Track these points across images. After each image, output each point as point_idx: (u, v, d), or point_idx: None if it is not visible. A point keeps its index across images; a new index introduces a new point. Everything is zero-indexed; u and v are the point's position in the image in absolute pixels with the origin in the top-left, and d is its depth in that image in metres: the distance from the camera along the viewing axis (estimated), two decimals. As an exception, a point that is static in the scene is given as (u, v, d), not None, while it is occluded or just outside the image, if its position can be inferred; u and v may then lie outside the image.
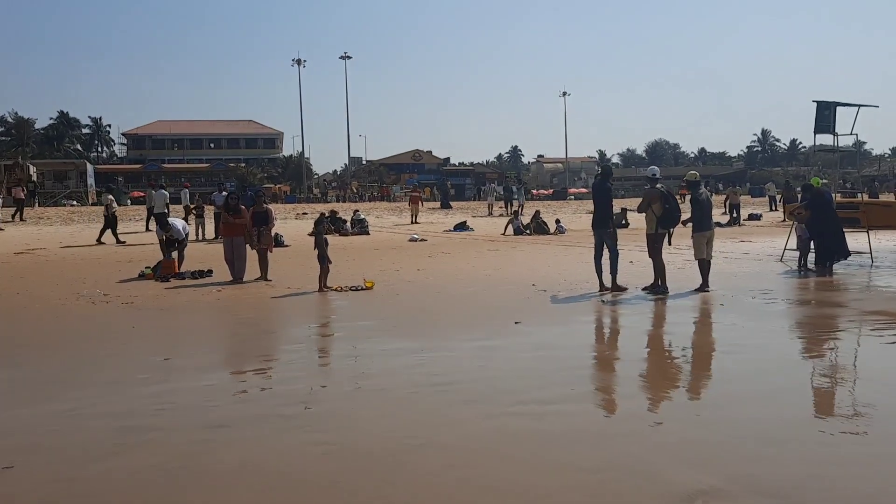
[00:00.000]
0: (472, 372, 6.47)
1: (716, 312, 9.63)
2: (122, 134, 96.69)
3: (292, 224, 31.75)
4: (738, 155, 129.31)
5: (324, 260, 12.36)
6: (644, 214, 11.65)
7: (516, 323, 8.82)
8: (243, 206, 14.32)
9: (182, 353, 7.69)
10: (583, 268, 14.86)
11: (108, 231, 22.80)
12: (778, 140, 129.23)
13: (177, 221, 15.33)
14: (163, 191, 24.00)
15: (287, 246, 21.86)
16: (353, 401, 5.66)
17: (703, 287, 11.71)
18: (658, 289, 11.32)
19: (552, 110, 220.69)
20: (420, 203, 35.57)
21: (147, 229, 24.65)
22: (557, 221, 26.92)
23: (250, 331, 8.97)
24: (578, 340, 8.29)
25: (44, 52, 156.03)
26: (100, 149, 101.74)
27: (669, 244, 11.80)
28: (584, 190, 78.57)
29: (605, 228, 11.69)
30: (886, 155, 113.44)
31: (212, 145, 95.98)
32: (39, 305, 11.12)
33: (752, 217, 33.56)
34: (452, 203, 46.76)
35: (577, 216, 35.63)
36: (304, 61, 73.60)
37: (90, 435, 4.99)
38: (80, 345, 8.24)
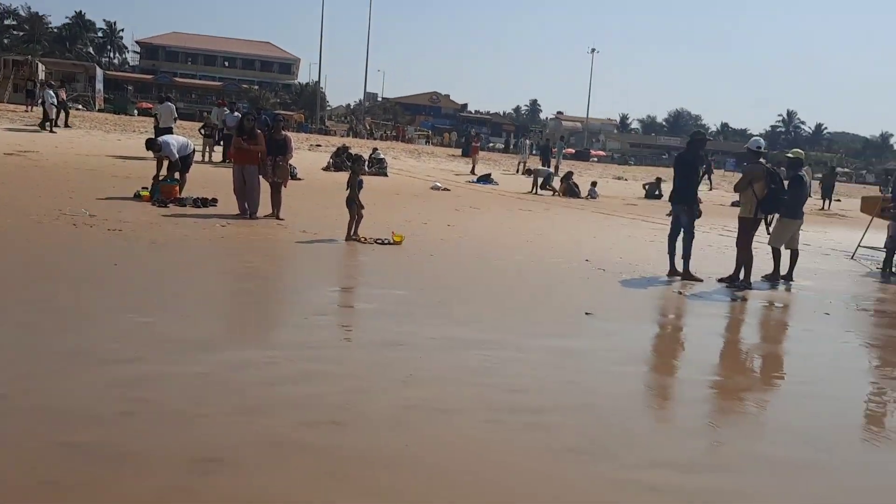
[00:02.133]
0: (560, 392, 4.74)
1: (825, 324, 7.86)
2: (136, 42, 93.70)
3: (306, 156, 29.83)
4: (761, 134, 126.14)
5: (353, 205, 10.56)
6: (741, 194, 9.80)
7: (587, 314, 7.09)
8: (260, 132, 12.45)
9: (171, 312, 5.94)
10: (635, 244, 13.13)
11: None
12: (803, 123, 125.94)
13: (172, 139, 13.42)
14: (169, 103, 21.97)
15: (300, 180, 20.07)
16: (403, 428, 3.93)
17: (787, 278, 10.28)
18: (740, 283, 9.56)
19: (576, 67, 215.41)
20: (478, 152, 33.61)
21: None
22: (594, 184, 24.98)
23: (260, 288, 7.22)
24: (677, 351, 6.55)
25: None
26: (112, 55, 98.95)
27: (768, 233, 10.02)
28: (602, 153, 76.23)
29: (686, 204, 9.86)
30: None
31: (226, 64, 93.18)
32: (11, 221, 9.38)
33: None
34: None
35: (603, 181, 33.65)
36: (330, -15, 70.15)
37: (16, 455, 3.28)
38: (43, 285, 6.48)
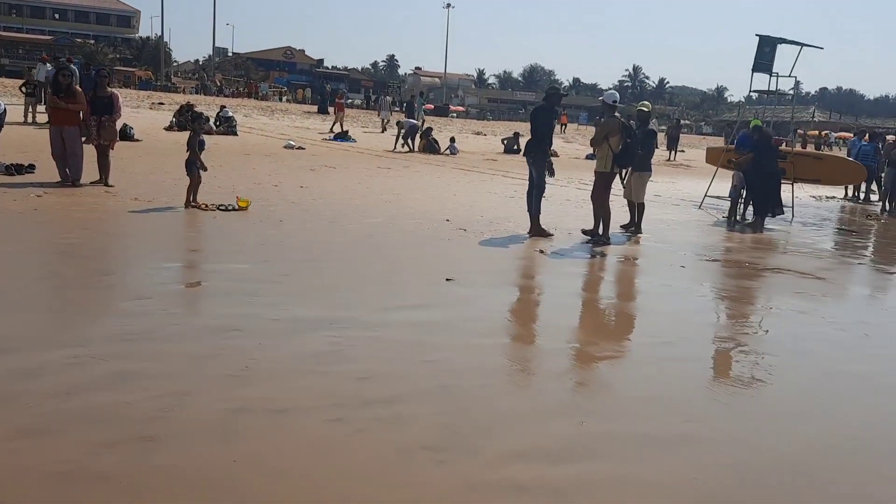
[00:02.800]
0: (416, 376, 4.27)
1: (682, 278, 7.86)
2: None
3: (146, 115, 27.67)
4: (611, 87, 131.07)
5: (194, 167, 9.59)
6: (597, 148, 9.65)
7: (448, 280, 6.68)
8: (79, 88, 11.08)
9: (-45, 304, 4.96)
10: (496, 200, 12.90)
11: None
12: (647, 77, 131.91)
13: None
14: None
15: (138, 141, 18.46)
16: (230, 438, 3.32)
17: (636, 230, 10.47)
18: (599, 238, 9.50)
19: (432, 22, 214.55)
20: (344, 109, 31.96)
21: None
22: (452, 140, 24.71)
23: (75, 269, 6.24)
24: (538, 317, 6.25)
25: None
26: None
27: (623, 185, 10.00)
28: (461, 108, 76.34)
29: (533, 156, 9.61)
30: (740, 101, 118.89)
31: (56, 16, 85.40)
32: None
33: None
34: (330, 108, 43.19)
35: (463, 136, 33.52)
36: (169, -69, 65.26)
37: None
38: None
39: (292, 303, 5.57)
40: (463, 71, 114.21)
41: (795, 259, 9.65)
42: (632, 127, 9.87)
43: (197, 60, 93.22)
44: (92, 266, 6.32)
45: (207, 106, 30.74)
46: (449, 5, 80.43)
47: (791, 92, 15.11)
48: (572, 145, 35.84)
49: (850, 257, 10.63)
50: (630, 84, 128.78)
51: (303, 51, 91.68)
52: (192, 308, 5.41)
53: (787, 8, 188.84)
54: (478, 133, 38.13)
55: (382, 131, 31.41)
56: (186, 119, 22.27)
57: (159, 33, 78.80)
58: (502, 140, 29.04)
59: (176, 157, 12.41)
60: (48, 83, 20.55)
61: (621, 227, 10.40)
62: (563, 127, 48.22)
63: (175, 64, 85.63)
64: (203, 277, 6.34)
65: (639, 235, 10.34)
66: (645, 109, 10.57)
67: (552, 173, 9.81)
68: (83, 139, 10.79)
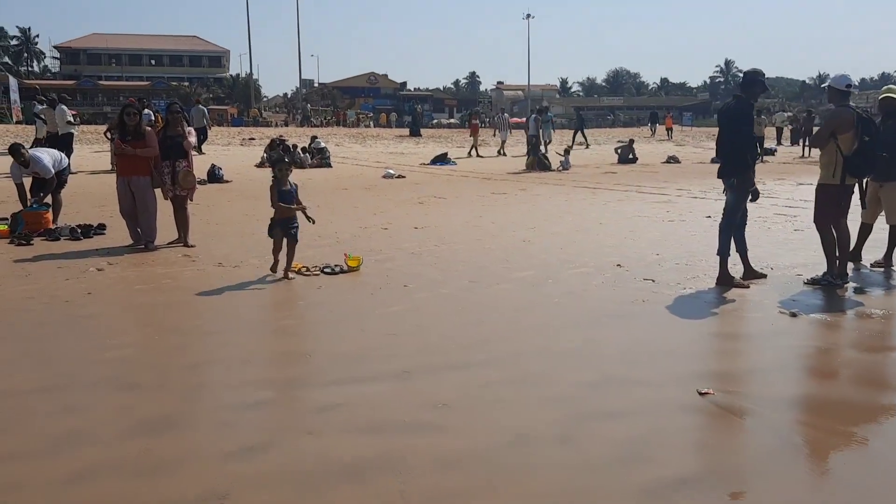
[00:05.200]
0: None
1: None
2: (55, 47, 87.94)
3: (237, 152, 26.33)
4: (702, 85, 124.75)
5: (276, 229, 7.27)
6: (821, 152, 6.80)
7: (701, 394, 4.09)
8: (149, 129, 9.09)
9: None
10: (657, 228, 10.22)
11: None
12: (741, 71, 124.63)
13: (43, 154, 9.95)
14: (62, 106, 18.28)
15: (228, 182, 16.76)
16: None
17: (886, 261, 7.58)
18: (834, 277, 6.65)
19: (511, 35, 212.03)
20: (479, 131, 29.45)
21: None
22: (567, 151, 22.17)
23: (109, 420, 3.93)
24: None
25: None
26: (30, 62, 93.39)
27: (863, 205, 7.14)
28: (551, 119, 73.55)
29: (733, 176, 6.81)
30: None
31: (152, 62, 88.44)
32: None
33: (767, 152, 28.52)
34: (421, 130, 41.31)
35: (561, 148, 30.71)
36: (252, -29, 65.61)
37: None
38: None
39: (476, 486, 3.09)
40: (545, 81, 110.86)
41: None
42: (873, 121, 6.99)
43: (285, 94, 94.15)
44: (141, 409, 4.00)
45: (298, 137, 29.25)
46: (529, 15, 77.54)
47: None
48: (685, 148, 32.65)
49: None
50: (722, 80, 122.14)
51: (385, 75, 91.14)
52: (284, 496, 2.96)
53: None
54: (580, 144, 35.27)
55: (500, 153, 27.70)
56: (279, 154, 20.63)
57: (248, 70, 79.81)
58: (615, 149, 26.17)
59: (268, 199, 10.35)
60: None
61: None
62: (670, 131, 44.57)
63: (265, 99, 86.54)
64: (312, 425, 3.77)
65: (890, 270, 7.45)
66: (894, 96, 7.58)
67: (755, 196, 6.96)
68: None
